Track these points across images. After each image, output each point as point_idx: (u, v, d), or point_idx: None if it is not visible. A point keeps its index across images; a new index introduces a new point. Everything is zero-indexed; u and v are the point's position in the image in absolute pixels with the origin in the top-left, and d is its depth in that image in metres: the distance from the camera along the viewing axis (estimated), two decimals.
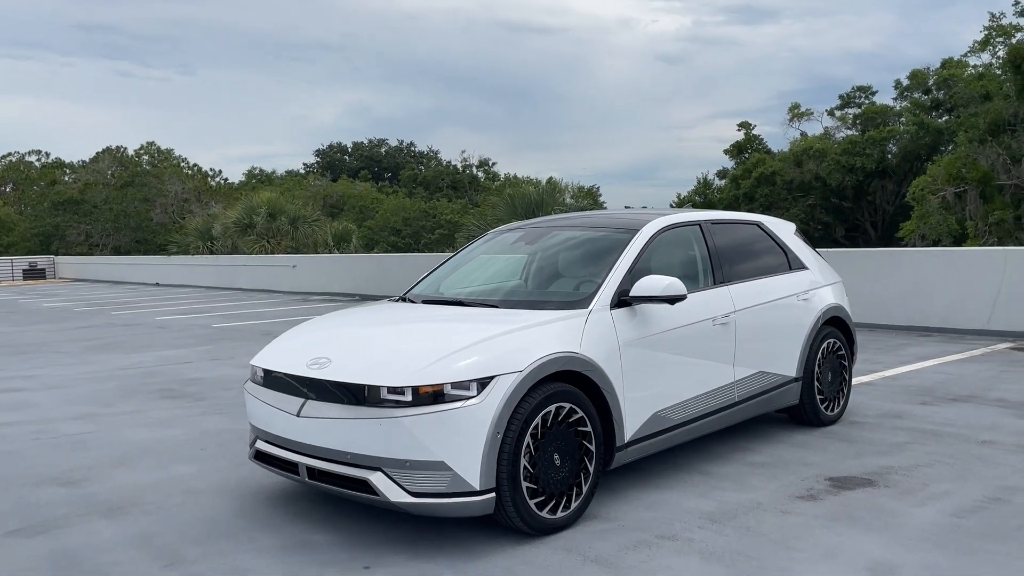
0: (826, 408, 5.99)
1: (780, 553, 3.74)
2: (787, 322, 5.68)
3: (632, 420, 4.46)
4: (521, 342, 4.06)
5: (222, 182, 61.69)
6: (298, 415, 4.10)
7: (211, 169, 62.77)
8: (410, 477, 3.76)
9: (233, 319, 15.67)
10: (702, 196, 54.57)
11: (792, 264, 5.99)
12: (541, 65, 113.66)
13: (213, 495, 4.81)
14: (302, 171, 75.22)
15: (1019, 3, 29.48)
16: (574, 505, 4.13)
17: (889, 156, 43.84)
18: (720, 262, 5.34)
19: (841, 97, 48.48)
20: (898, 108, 45.78)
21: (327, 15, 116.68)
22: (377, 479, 3.80)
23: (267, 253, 26.87)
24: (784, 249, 6.01)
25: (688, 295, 4.61)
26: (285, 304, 19.12)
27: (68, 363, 10.20)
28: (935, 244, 29.69)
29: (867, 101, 47.94)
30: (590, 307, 4.43)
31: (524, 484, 3.89)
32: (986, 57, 32.53)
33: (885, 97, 47.10)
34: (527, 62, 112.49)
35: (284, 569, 3.72)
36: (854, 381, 6.85)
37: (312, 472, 4.08)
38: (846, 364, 6.24)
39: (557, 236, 5.46)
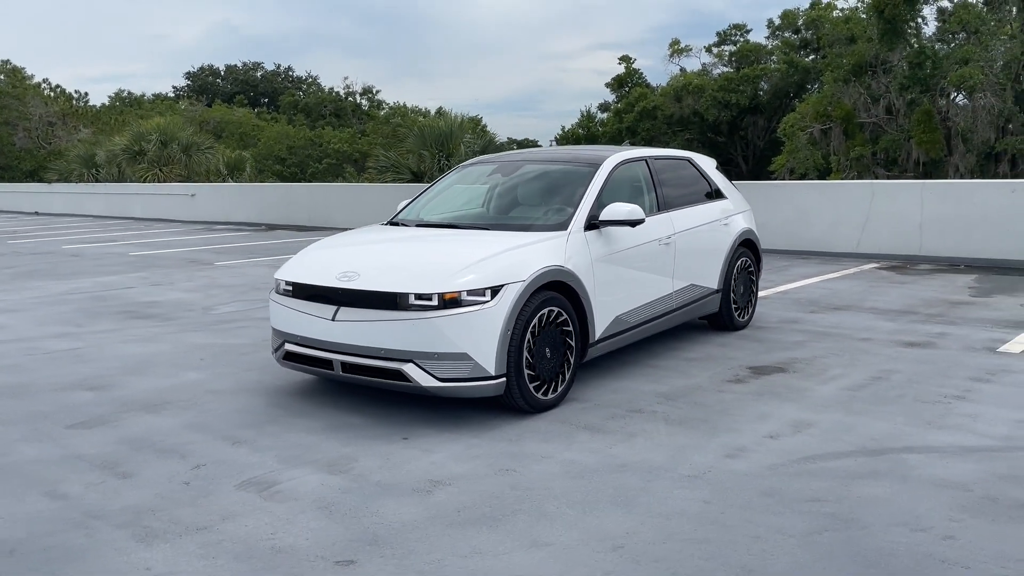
0: (739, 315, 7.16)
1: (725, 418, 4.83)
2: (712, 243, 6.77)
3: (600, 322, 5.44)
4: (521, 257, 4.94)
5: (85, 105, 58.46)
6: (333, 319, 4.86)
7: (75, 91, 59.42)
8: (438, 366, 4.62)
9: (147, 247, 15.75)
10: (585, 129, 55.82)
11: (715, 194, 7.07)
12: None
13: (236, 394, 5.52)
14: (171, 95, 72.02)
15: None
16: (560, 389, 5.10)
17: (761, 93, 46.14)
18: (662, 192, 6.34)
19: (718, 34, 50.34)
20: (770, 47, 48.05)
21: None
22: (410, 368, 4.64)
23: (159, 182, 26.35)
24: (708, 181, 7.07)
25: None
26: (191, 233, 19.14)
27: (4, 289, 10.35)
28: (803, 177, 31.99)
29: (742, 39, 49.98)
30: (568, 229, 5.35)
31: (526, 371, 4.82)
32: (853, 1, 34.78)
33: (759, 36, 49.36)
34: None
35: (337, 442, 4.53)
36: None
37: (346, 367, 4.87)
38: (754, 279, 7.43)
39: (530, 168, 6.32)
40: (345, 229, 18.57)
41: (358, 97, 68.49)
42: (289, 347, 5.19)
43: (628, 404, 5.14)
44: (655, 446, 4.38)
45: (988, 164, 31.43)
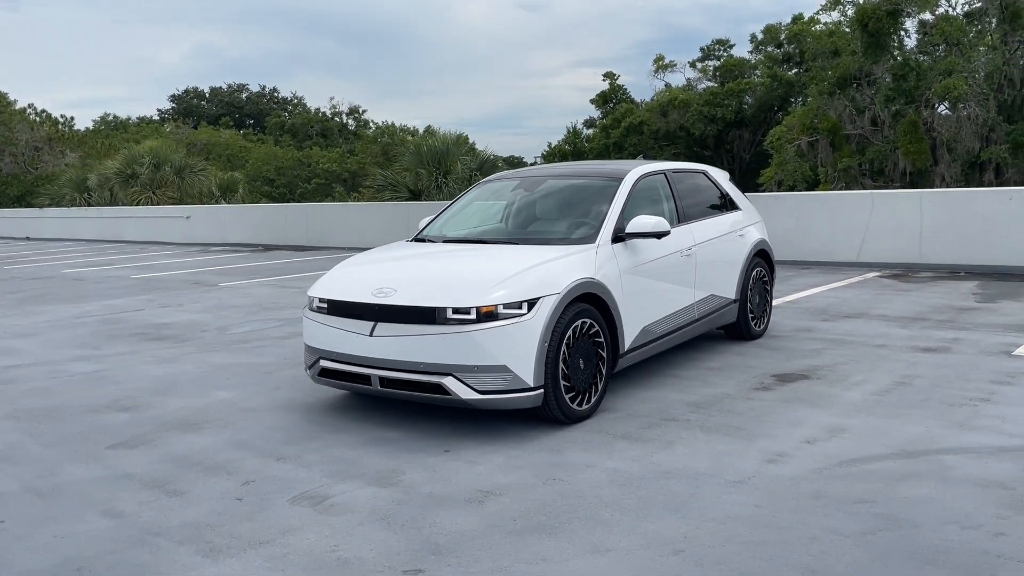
0: (755, 325, 7.27)
1: (759, 424, 4.92)
2: (730, 254, 6.88)
3: (629, 333, 5.52)
4: (554, 270, 5.02)
5: (69, 130, 58.32)
6: (371, 335, 4.92)
7: (61, 116, 59.32)
8: (478, 378, 4.68)
9: (148, 270, 15.75)
10: (571, 145, 56.17)
11: (730, 205, 7.19)
12: (398, 8, 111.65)
13: (271, 411, 5.56)
14: (156, 118, 72.01)
15: None
16: (593, 399, 5.17)
17: (746, 107, 46.63)
18: (682, 204, 6.45)
19: (702, 50, 50.90)
20: (753, 61, 48.60)
21: None
22: (449, 382, 4.71)
23: (152, 204, 26.32)
24: (723, 193, 7.20)
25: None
26: (189, 255, 19.15)
27: (13, 314, 10.34)
28: (791, 189, 32.31)
29: (726, 54, 50.53)
30: (597, 242, 5.44)
31: (562, 382, 4.89)
32: (835, 15, 35.30)
33: (742, 50, 49.90)
34: (383, 5, 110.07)
35: (380, 456, 4.59)
36: None
37: (384, 381, 4.93)
38: (768, 289, 7.55)
39: (553, 184, 6.41)
40: (344, 249, 18.69)
41: (344, 117, 68.73)
42: (324, 363, 5.24)
43: (661, 413, 5.21)
44: (695, 453, 4.46)
45: (973, 173, 31.86)
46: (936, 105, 30.10)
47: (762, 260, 7.40)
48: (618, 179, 5.99)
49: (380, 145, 49.20)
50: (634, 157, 45.42)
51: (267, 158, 52.96)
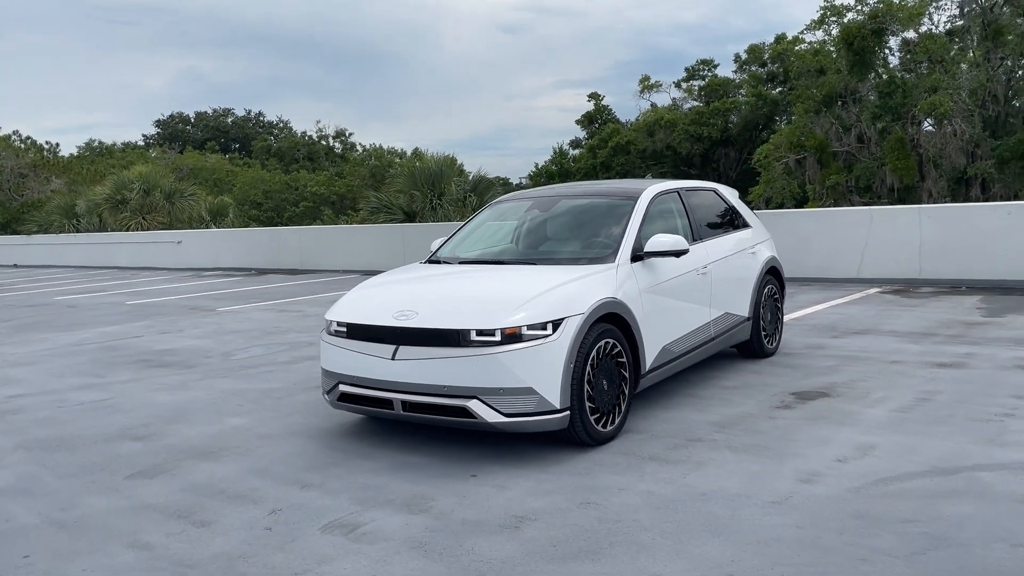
0: (768, 342, 7.24)
1: (787, 443, 4.87)
2: (742, 272, 6.86)
3: (650, 352, 5.48)
4: (577, 290, 4.97)
5: (55, 156, 58.04)
6: (393, 358, 4.85)
7: (46, 142, 59.06)
8: (503, 401, 4.62)
9: (142, 296, 15.60)
10: (558, 165, 56.43)
11: (741, 223, 7.18)
12: (382, 32, 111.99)
13: (288, 438, 5.47)
14: (141, 143, 71.82)
15: None
16: (617, 420, 5.11)
17: (731, 126, 46.99)
18: (696, 222, 6.43)
19: (687, 70, 51.26)
20: (737, 80, 49.01)
21: None
22: (474, 405, 4.64)
23: (142, 230, 26.15)
24: (734, 211, 7.19)
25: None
26: (181, 280, 19.00)
27: (9, 342, 10.19)
28: (780, 207, 32.49)
29: (710, 74, 50.96)
30: (616, 261, 5.40)
31: (587, 404, 4.84)
32: (820, 35, 35.69)
33: (726, 70, 50.28)
34: (367, 28, 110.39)
35: (406, 482, 4.51)
36: None
37: (407, 405, 4.85)
38: (780, 306, 7.53)
39: (567, 204, 6.37)
40: (339, 272, 18.59)
41: (331, 140, 68.71)
42: (344, 388, 5.16)
43: (685, 434, 5.16)
44: (728, 474, 4.40)
45: (959, 188, 32.17)
46: (922, 121, 30.39)
47: (773, 278, 7.38)
48: (633, 198, 5.97)
49: (368, 167, 49.11)
50: (623, 176, 45.61)
51: (254, 182, 52.79)
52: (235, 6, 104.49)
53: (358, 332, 5.11)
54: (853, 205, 29.99)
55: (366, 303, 5.32)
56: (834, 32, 33.17)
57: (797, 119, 35.24)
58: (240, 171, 57.85)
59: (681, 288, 5.91)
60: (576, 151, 55.99)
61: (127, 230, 26.01)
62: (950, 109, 28.02)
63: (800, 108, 35.02)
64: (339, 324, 5.24)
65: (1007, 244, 10.98)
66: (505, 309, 4.75)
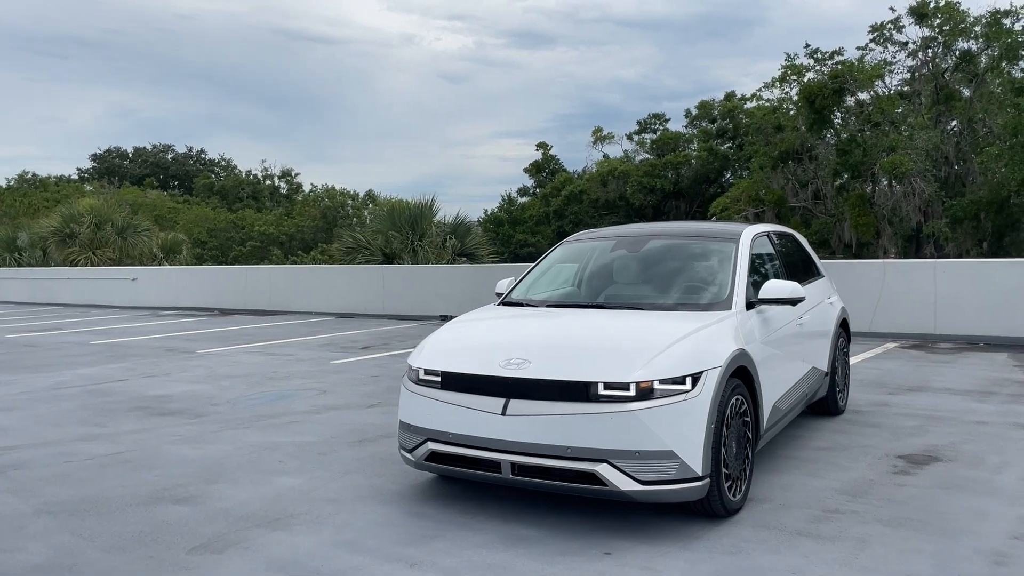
0: (839, 399, 6.79)
1: (939, 518, 4.37)
2: (824, 323, 6.42)
3: (766, 410, 4.95)
4: (708, 340, 4.43)
5: None
6: (503, 414, 4.22)
7: None
8: (640, 466, 4.02)
9: (105, 336, 14.51)
10: (508, 212, 56.51)
11: (816, 271, 6.76)
12: (322, 76, 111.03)
13: (359, 503, 4.76)
14: (75, 177, 69.50)
15: (809, 46, 33.40)
16: (743, 487, 4.55)
17: (682, 178, 47.66)
18: (787, 267, 5.97)
19: (638, 123, 52.08)
20: (688, 135, 49.89)
21: (83, 8, 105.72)
22: (605, 470, 4.03)
23: (91, 265, 24.79)
24: (811, 257, 6.77)
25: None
26: (139, 319, 17.87)
27: None
28: None
29: (661, 128, 51.83)
30: (733, 308, 4.89)
31: (723, 470, 4.28)
32: (777, 92, 36.46)
33: (676, 124, 51.09)
34: (307, 72, 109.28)
35: (531, 559, 3.86)
36: None
37: (518, 468, 4.21)
38: (847, 360, 7.10)
39: (660, 243, 5.78)
40: (310, 314, 17.75)
41: (277, 180, 67.48)
42: (435, 446, 4.49)
43: (817, 504, 4.62)
44: (902, 554, 3.87)
45: (910, 246, 32.89)
46: (880, 180, 31.03)
47: (843, 330, 6.97)
48: (734, 239, 5.48)
49: (319, 208, 48.11)
50: (576, 224, 45.66)
51: (198, 219, 51.28)
52: (174, 44, 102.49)
53: (456, 382, 4.46)
54: None
55: (465, 349, 4.69)
56: (793, 92, 33.85)
57: (754, 173, 35.74)
58: (182, 208, 56.18)
59: (787, 339, 5.43)
60: (524, 199, 56.22)
61: (74, 265, 24.61)
62: (910, 168, 28.64)
63: (756, 163, 35.56)
64: (430, 372, 4.59)
65: None
66: (637, 360, 4.18)
